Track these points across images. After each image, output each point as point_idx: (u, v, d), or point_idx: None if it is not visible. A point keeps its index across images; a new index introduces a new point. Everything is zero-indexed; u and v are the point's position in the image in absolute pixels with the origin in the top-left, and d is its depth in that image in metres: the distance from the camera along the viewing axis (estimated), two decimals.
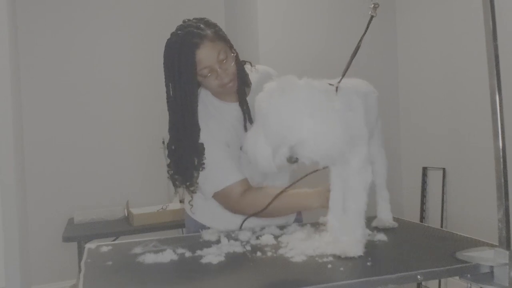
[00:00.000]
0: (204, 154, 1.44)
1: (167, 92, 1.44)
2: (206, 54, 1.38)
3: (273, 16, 3.31)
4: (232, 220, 1.49)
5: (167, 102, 1.45)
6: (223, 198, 1.49)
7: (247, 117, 1.51)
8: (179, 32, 1.41)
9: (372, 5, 1.20)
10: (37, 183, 3.45)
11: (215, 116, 1.49)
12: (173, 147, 1.45)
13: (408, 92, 3.55)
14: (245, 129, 1.50)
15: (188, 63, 1.37)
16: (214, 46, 1.40)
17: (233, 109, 1.53)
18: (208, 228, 1.55)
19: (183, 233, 1.70)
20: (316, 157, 1.02)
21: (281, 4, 3.34)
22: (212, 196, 1.49)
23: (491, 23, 1.02)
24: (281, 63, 3.15)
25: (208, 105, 1.50)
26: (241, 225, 1.46)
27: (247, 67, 1.58)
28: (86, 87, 3.59)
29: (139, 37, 3.59)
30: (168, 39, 1.44)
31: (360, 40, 1.18)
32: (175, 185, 1.47)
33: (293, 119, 1.00)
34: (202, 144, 1.44)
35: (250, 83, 1.55)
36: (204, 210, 1.57)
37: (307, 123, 1.00)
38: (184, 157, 1.43)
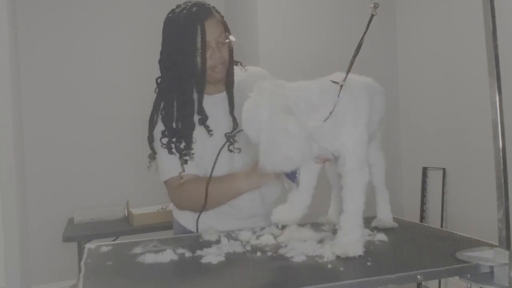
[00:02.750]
0: (207, 119, 1.44)
1: (164, 59, 1.44)
2: (210, 29, 1.40)
3: (273, 16, 3.31)
4: (208, 223, 1.47)
5: (163, 68, 1.45)
6: (167, 190, 1.50)
7: (230, 109, 1.50)
8: (188, 3, 1.43)
9: (372, 5, 1.20)
10: (37, 183, 3.45)
11: None
12: (169, 117, 1.44)
13: (408, 92, 3.56)
14: (232, 116, 1.49)
15: (196, 28, 1.38)
16: (218, 26, 1.43)
17: (215, 100, 1.52)
18: (188, 230, 1.55)
19: None
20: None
21: (281, 4, 3.34)
22: (164, 183, 1.50)
23: (491, 23, 1.02)
24: (281, 63, 3.15)
25: None
26: (197, 224, 1.46)
27: (237, 67, 1.57)
28: (86, 87, 3.59)
29: (139, 37, 3.59)
30: (172, 9, 1.45)
31: (362, 38, 1.17)
32: (170, 152, 1.44)
33: (248, 119, 1.11)
34: (203, 109, 1.44)
35: (233, 81, 1.53)
36: (184, 211, 1.57)
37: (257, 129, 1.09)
38: (186, 123, 1.43)
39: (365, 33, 1.17)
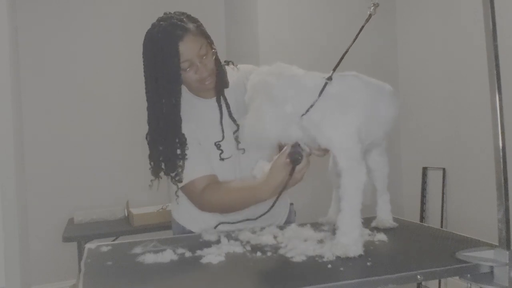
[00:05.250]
0: (186, 144, 1.43)
1: (147, 82, 1.43)
2: (188, 47, 1.37)
3: (273, 15, 3.31)
4: (208, 223, 1.49)
5: (146, 92, 1.44)
6: (187, 193, 1.48)
7: (228, 112, 1.50)
8: (161, 23, 1.39)
9: (372, 5, 1.20)
10: (37, 183, 3.45)
11: (189, 112, 1.47)
12: (155, 139, 1.43)
13: (408, 92, 3.55)
14: (221, 124, 1.49)
15: (172, 53, 1.35)
16: (196, 40, 1.39)
17: (210, 105, 1.51)
18: (188, 230, 1.55)
19: None
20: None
21: (282, 2, 3.34)
22: (180, 189, 1.48)
23: (491, 23, 1.02)
24: (280, 62, 3.15)
25: (183, 102, 1.46)
26: (216, 226, 1.47)
27: (229, 67, 1.57)
28: (87, 87, 3.59)
29: (139, 36, 3.58)
30: (149, 29, 1.42)
31: (356, 37, 1.18)
32: (157, 176, 1.44)
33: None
34: (183, 135, 1.43)
35: (228, 83, 1.52)
36: (183, 211, 1.57)
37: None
38: (168, 148, 1.42)
39: (359, 32, 1.17)
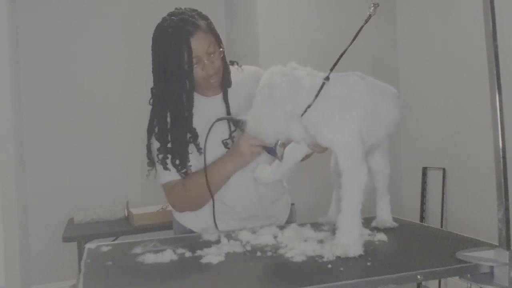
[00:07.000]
0: (198, 138, 1.44)
1: (155, 76, 1.43)
2: (198, 44, 1.37)
3: (273, 15, 3.31)
4: (208, 223, 1.48)
5: (155, 87, 1.44)
6: (164, 193, 1.51)
7: (228, 112, 1.50)
8: (172, 17, 1.39)
9: (372, 5, 1.20)
10: (37, 183, 3.45)
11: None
12: (162, 134, 1.43)
13: (408, 92, 3.56)
14: (228, 122, 1.49)
15: (182, 49, 1.35)
16: (206, 37, 1.39)
17: (213, 103, 1.51)
18: (189, 230, 1.56)
19: None
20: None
21: (281, 3, 3.34)
22: (162, 186, 1.50)
23: (491, 23, 1.02)
24: (281, 63, 3.15)
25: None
26: (215, 223, 1.47)
27: (233, 67, 1.57)
28: (86, 87, 3.59)
29: (139, 36, 3.58)
30: (159, 23, 1.42)
31: (354, 37, 1.18)
32: (166, 168, 1.44)
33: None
34: (195, 129, 1.44)
35: (231, 83, 1.52)
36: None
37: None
38: (179, 143, 1.43)
39: (358, 32, 1.17)
